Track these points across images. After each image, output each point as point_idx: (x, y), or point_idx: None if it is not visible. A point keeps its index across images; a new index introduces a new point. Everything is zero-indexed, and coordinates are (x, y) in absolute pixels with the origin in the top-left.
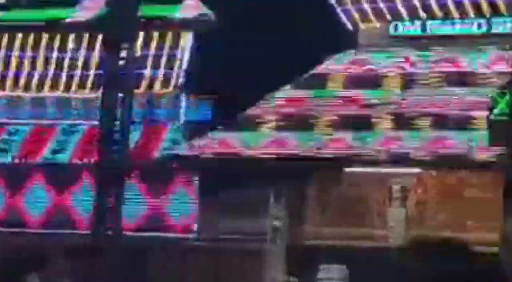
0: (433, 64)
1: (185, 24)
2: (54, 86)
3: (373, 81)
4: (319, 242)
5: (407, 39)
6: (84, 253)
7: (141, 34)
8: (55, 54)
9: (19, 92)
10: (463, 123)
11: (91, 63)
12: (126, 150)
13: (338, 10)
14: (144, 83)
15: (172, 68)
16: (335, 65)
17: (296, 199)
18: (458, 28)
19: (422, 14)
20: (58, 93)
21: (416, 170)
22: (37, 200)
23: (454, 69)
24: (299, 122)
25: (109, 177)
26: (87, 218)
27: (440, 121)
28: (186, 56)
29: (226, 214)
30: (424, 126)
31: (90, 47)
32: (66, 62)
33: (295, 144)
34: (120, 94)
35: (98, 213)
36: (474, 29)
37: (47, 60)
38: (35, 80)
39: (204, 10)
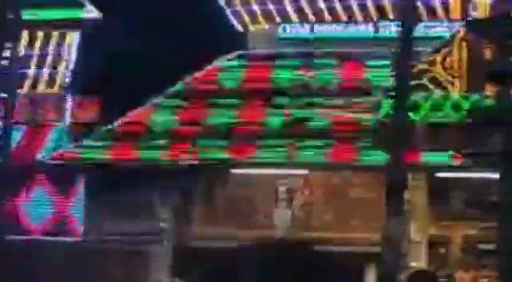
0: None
1: (71, 24)
2: None
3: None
4: (204, 243)
5: (296, 41)
6: None
7: (26, 33)
8: None
9: None
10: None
11: None
12: (8, 151)
13: (228, 11)
14: (28, 83)
15: (57, 68)
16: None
17: (182, 200)
18: (346, 31)
19: (311, 17)
20: None
21: (303, 171)
22: None
23: (340, 72)
24: None
25: None
26: None
27: None
28: (72, 56)
29: (112, 216)
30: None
31: None
32: None
33: None
34: (3, 95)
35: None
36: (362, 33)
37: None
38: None
39: (91, 9)
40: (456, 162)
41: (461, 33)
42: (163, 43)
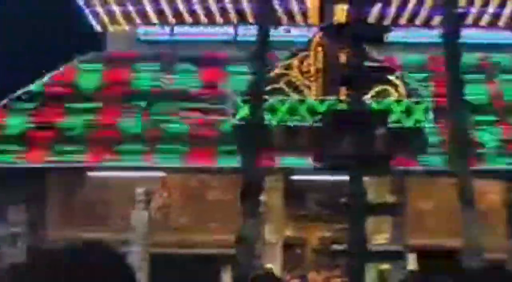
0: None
1: None
2: None
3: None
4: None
5: (156, 43)
6: None
7: None
8: None
9: None
10: None
11: None
12: None
13: (87, 11)
14: None
15: None
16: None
17: (37, 203)
18: (206, 35)
19: (171, 18)
20: None
21: (161, 174)
22: None
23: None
24: None
25: None
26: None
27: None
28: None
29: None
30: None
31: None
32: None
33: None
34: None
35: None
36: (221, 36)
37: None
38: None
39: None
40: (311, 164)
41: (318, 38)
42: (20, 42)
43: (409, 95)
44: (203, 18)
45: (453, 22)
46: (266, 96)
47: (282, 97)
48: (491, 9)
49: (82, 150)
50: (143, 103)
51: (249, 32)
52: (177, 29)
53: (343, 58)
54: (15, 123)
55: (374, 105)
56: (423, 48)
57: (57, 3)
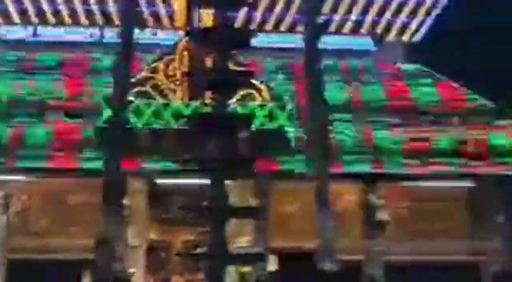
0: None
1: None
2: None
3: None
4: None
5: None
6: None
7: None
8: None
9: None
10: None
11: None
12: None
13: None
14: None
15: None
16: None
17: None
18: (70, 36)
19: (34, 19)
20: None
21: (20, 177)
22: None
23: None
24: None
25: None
26: None
27: None
28: None
29: None
30: None
31: None
32: None
33: None
34: None
35: None
36: (86, 38)
37: None
38: None
39: None
40: (176, 168)
41: (184, 42)
42: None
43: (272, 99)
44: (67, 19)
45: (315, 28)
46: (131, 99)
47: (148, 100)
48: (353, 17)
49: None
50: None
51: (114, 34)
52: (40, 29)
53: (208, 62)
54: None
55: (239, 109)
56: (287, 53)
57: None
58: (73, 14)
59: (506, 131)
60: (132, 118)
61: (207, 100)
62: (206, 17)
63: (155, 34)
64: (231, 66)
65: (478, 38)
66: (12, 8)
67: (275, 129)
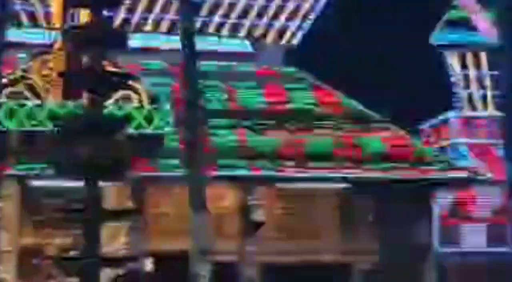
0: None
1: None
2: None
3: None
4: None
5: None
6: None
7: None
8: None
9: None
10: None
11: None
12: None
13: None
14: None
15: None
16: None
17: None
18: None
19: None
20: None
21: None
22: None
23: None
24: None
25: None
26: None
27: None
28: None
29: None
30: None
31: None
32: None
33: None
34: None
35: None
36: None
37: None
38: None
39: None
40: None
41: (59, 42)
42: None
43: (150, 101)
44: None
45: (192, 30)
46: (3, 100)
47: (21, 101)
48: (232, 19)
49: None
50: None
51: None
52: None
53: (85, 62)
54: None
55: (115, 111)
56: (165, 54)
57: None
58: None
59: (380, 136)
60: (4, 120)
61: (83, 102)
62: (82, 17)
63: (30, 33)
64: (108, 67)
65: (355, 43)
66: None
67: (152, 131)
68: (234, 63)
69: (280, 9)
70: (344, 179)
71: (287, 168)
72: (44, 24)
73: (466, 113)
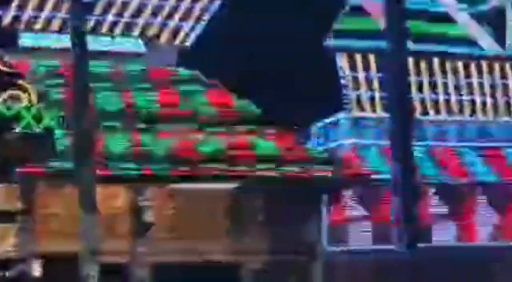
0: None
1: None
2: None
3: None
4: None
5: None
6: None
7: None
8: None
9: None
10: None
11: None
12: None
13: None
14: None
15: None
16: None
17: None
18: None
19: None
20: None
21: None
22: None
23: None
24: None
25: None
26: None
27: None
28: None
29: None
30: None
31: None
32: None
33: None
34: None
35: None
36: None
37: None
38: None
39: None
40: None
41: None
42: None
43: (40, 101)
44: None
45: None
46: None
47: None
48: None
49: None
50: None
51: None
52: None
53: None
54: None
55: (4, 110)
56: (56, 54)
57: None
58: None
59: (272, 138)
60: None
61: None
62: None
63: None
64: None
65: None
66: None
67: (41, 131)
68: (127, 63)
69: (174, 9)
70: (235, 180)
71: (180, 169)
72: None
73: (355, 114)
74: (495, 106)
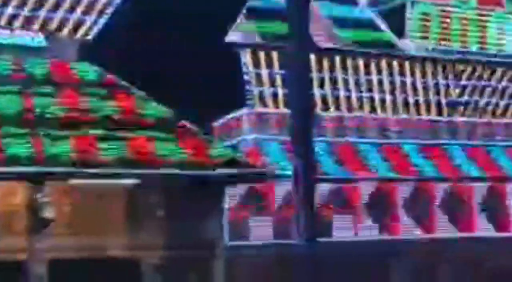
0: None
1: None
2: None
3: None
4: None
5: None
6: None
7: None
8: None
9: None
10: None
11: None
12: None
13: None
14: None
15: None
16: None
17: None
18: None
19: None
20: None
21: None
22: None
23: None
24: None
25: None
26: None
27: None
28: None
29: None
30: None
31: None
32: None
33: None
34: None
35: None
36: None
37: None
38: None
39: None
40: None
41: None
42: None
43: None
44: None
45: None
46: None
47: None
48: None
49: None
50: None
51: None
52: None
53: None
54: None
55: None
56: None
57: None
58: None
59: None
60: None
61: None
62: None
63: None
64: None
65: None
66: None
67: None
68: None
69: (76, 2)
70: (134, 176)
71: (77, 170)
72: None
73: (258, 110)
74: (394, 103)
